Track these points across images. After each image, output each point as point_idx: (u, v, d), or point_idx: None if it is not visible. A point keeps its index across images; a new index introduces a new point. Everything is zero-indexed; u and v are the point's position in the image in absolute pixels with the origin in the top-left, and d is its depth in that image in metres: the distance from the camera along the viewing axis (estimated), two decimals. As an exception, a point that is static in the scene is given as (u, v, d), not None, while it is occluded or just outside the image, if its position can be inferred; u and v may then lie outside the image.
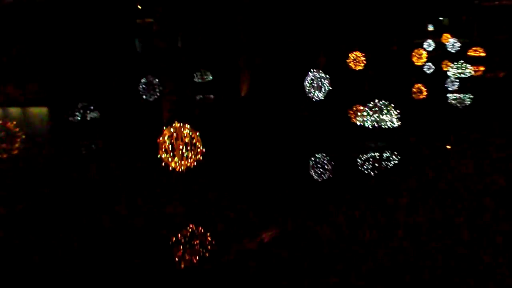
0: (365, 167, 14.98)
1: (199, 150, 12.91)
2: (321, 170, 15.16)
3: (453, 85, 31.17)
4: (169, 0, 17.58)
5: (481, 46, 46.71)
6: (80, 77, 27.20)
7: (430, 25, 65.49)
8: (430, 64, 42.40)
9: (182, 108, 17.88)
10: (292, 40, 28.96)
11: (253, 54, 23.10)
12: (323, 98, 20.75)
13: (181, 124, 12.58)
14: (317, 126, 19.05)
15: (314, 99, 20.60)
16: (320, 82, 19.82)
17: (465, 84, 30.53)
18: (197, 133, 12.85)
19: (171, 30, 17.90)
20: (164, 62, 18.10)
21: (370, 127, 17.22)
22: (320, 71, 20.04)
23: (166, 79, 18.39)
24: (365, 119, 17.16)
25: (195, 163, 13.03)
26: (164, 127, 12.80)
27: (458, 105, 27.79)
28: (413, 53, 34.27)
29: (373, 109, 17.23)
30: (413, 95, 31.72)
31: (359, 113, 17.33)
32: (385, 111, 17.14)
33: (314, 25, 30.19)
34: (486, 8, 58.04)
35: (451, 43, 43.47)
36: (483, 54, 41.94)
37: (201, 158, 13.08)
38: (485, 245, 9.48)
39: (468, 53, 42.70)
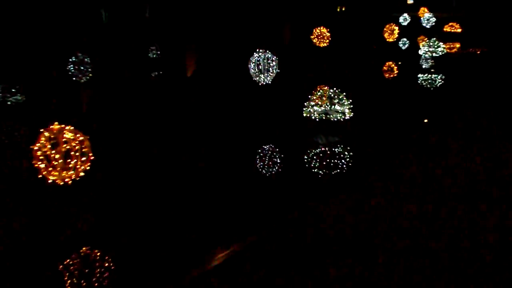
0: (314, 167, 12.30)
1: (86, 158, 9.98)
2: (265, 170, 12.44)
3: (427, 63, 28.46)
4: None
5: (459, 21, 44.05)
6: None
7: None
8: (405, 39, 39.64)
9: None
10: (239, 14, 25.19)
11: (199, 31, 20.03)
12: (270, 83, 17.88)
13: (62, 126, 9.60)
14: (261, 118, 16.15)
15: (260, 84, 17.72)
16: (267, 64, 16.73)
17: (438, 63, 27.83)
18: (85, 137, 9.88)
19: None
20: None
21: (317, 120, 14.46)
22: (267, 50, 16.94)
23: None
24: (312, 110, 14.36)
25: (81, 175, 10.07)
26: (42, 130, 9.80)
27: (429, 86, 25.20)
28: (385, 29, 31.27)
29: (321, 99, 14.42)
30: (384, 74, 29.09)
31: (305, 104, 14.51)
32: (336, 101, 14.36)
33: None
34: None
35: (426, 17, 40.42)
36: (459, 30, 39.13)
37: (89, 168, 10.14)
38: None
39: (444, 29, 39.88)
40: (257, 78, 16.99)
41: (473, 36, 40.41)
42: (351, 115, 14.52)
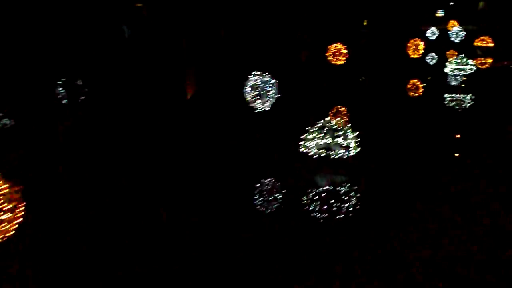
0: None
1: (16, 211, 8.01)
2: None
3: (456, 81, 25.71)
4: None
5: (490, 34, 40.90)
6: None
7: (440, 10, 58.96)
8: (433, 54, 36.83)
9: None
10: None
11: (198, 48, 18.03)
12: (269, 109, 15.63)
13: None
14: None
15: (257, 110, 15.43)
16: (265, 88, 14.49)
17: (468, 81, 25.05)
18: (12, 186, 7.92)
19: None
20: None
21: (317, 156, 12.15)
22: (266, 73, 14.67)
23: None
24: (311, 145, 12.06)
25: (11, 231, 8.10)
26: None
27: (457, 107, 22.51)
28: (409, 44, 28.69)
29: (322, 131, 12.12)
30: (408, 93, 26.49)
31: (303, 137, 12.24)
32: (339, 133, 12.03)
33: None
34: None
35: (455, 31, 37.44)
36: (491, 44, 36.04)
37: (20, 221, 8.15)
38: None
39: (475, 43, 36.86)
40: (254, 104, 14.83)
41: (506, 50, 37.31)
42: (357, 150, 12.17)
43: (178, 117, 17.03)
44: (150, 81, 19.43)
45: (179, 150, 14.30)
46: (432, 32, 40.91)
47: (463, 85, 24.65)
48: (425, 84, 27.17)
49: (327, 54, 24.86)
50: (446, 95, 23.77)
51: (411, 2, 48.31)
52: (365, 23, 42.70)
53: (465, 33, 37.59)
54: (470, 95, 23.61)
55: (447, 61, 27.59)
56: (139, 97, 18.89)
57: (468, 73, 23.99)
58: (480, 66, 34.97)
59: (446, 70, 24.46)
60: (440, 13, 58.01)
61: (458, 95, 23.83)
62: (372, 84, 25.98)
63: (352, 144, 12.19)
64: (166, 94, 18.65)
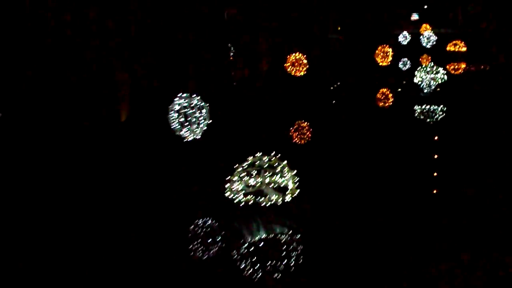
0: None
1: None
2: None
3: (426, 91, 23.35)
4: None
5: (464, 38, 38.94)
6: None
7: (414, 13, 56.84)
8: (405, 59, 34.66)
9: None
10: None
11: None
12: (199, 138, 12.81)
13: None
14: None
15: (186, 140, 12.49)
16: (194, 114, 11.72)
17: (440, 90, 22.70)
18: None
19: None
20: None
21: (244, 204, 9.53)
22: (195, 95, 11.90)
23: None
24: (237, 189, 9.46)
25: None
26: None
27: (428, 120, 20.19)
28: (377, 51, 26.27)
29: (251, 171, 9.51)
30: (378, 103, 24.13)
31: (229, 179, 9.61)
32: (272, 173, 9.43)
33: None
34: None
35: (426, 36, 35.19)
36: (464, 49, 33.95)
37: None
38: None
39: (448, 48, 34.77)
40: (181, 133, 12.02)
41: (480, 54, 35.33)
42: (296, 192, 9.55)
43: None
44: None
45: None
46: (404, 37, 38.74)
47: (434, 95, 22.33)
48: (399, 90, 24.89)
49: (285, 64, 22.31)
50: (416, 107, 21.39)
51: (383, 6, 46.27)
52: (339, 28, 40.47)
53: (436, 37, 35.42)
54: (442, 106, 21.27)
55: (417, 70, 25.38)
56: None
57: (439, 82, 21.61)
58: (453, 72, 32.93)
59: (415, 80, 22.05)
60: (415, 17, 55.96)
61: (428, 106, 21.46)
62: (336, 96, 23.50)
63: (290, 186, 9.58)
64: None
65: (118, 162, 12.79)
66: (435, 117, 20.35)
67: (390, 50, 26.17)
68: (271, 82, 22.56)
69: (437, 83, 21.53)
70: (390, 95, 25.16)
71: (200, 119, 11.82)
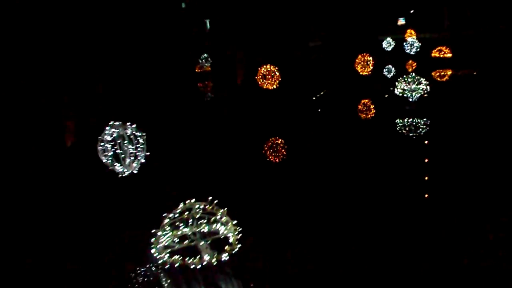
0: None
1: None
2: None
3: (408, 102, 21.60)
4: None
5: (450, 43, 37.38)
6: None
7: (401, 18, 55.15)
8: (390, 66, 32.96)
9: None
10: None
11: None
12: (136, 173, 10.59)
13: None
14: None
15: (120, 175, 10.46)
16: (128, 146, 9.83)
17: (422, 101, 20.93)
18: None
19: None
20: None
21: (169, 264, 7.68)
22: (129, 125, 9.93)
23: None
24: (165, 246, 7.58)
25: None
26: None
27: (410, 134, 18.46)
28: (357, 60, 24.48)
29: (180, 222, 7.66)
30: (360, 115, 22.40)
31: (157, 234, 7.72)
32: (211, 221, 7.59)
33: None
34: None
35: (409, 42, 33.46)
36: (450, 55, 32.31)
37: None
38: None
39: (432, 54, 33.12)
40: (114, 168, 10.12)
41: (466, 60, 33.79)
42: (237, 247, 7.70)
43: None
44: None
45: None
46: (387, 43, 37.05)
47: (418, 106, 20.61)
48: (387, 96, 23.13)
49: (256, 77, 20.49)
50: (398, 120, 19.67)
51: (368, 11, 44.63)
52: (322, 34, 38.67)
53: (419, 44, 33.73)
54: (425, 119, 19.56)
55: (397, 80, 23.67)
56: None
57: (421, 94, 19.84)
58: (438, 79, 31.27)
59: (396, 91, 20.27)
60: (401, 21, 54.30)
61: (411, 120, 19.73)
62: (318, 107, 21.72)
63: (231, 237, 7.74)
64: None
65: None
66: (419, 131, 18.61)
67: (371, 58, 24.43)
68: (243, 97, 20.78)
69: (419, 94, 19.76)
70: (373, 106, 23.46)
71: (136, 150, 9.93)
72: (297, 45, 26.18)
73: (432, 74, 32.43)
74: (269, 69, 19.84)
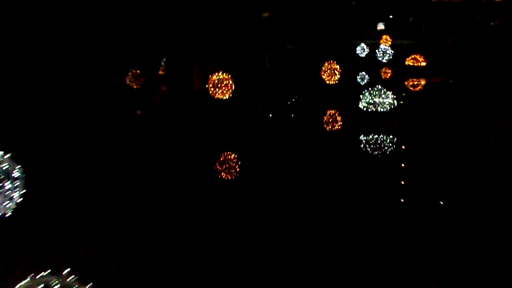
0: None
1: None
2: None
3: (373, 116, 19.66)
4: None
5: (427, 50, 35.69)
6: None
7: (380, 23, 53.28)
8: (363, 73, 31.08)
9: None
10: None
11: None
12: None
13: None
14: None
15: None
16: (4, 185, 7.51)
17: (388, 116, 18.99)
18: None
19: None
20: None
21: None
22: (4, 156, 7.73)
23: None
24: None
25: None
26: None
27: (376, 152, 16.63)
28: (324, 68, 22.47)
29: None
30: (326, 126, 20.43)
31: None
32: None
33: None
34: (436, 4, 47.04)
35: (382, 49, 31.51)
36: (424, 64, 30.52)
37: None
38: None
39: (406, 63, 31.30)
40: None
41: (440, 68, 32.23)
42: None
43: None
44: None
45: None
46: (362, 49, 35.07)
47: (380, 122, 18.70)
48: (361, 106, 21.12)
49: (207, 86, 18.30)
50: (362, 137, 17.71)
51: (344, 15, 42.91)
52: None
53: (392, 51, 31.84)
54: (391, 136, 17.66)
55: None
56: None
57: (387, 109, 17.85)
58: (412, 89, 29.47)
59: (360, 105, 18.26)
60: (381, 26, 52.44)
61: (376, 136, 17.81)
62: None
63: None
64: None
65: None
66: (384, 149, 16.68)
67: (338, 67, 22.43)
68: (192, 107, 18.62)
69: (384, 110, 17.78)
70: (339, 117, 21.44)
71: (11, 189, 7.67)
72: (253, 51, 24.02)
73: (406, 83, 30.61)
74: (220, 77, 17.63)
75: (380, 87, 17.70)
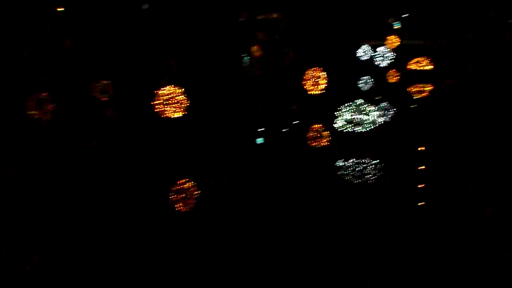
0: None
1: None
2: None
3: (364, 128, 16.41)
4: None
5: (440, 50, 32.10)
6: None
7: (396, 22, 49.23)
8: (367, 77, 27.78)
9: None
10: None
11: None
12: None
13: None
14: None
15: None
16: None
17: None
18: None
19: None
20: None
21: None
22: None
23: None
24: None
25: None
26: None
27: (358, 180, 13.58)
28: (306, 77, 19.11)
29: None
30: (311, 142, 17.44)
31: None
32: None
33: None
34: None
35: (381, 52, 27.80)
36: (430, 67, 26.89)
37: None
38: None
39: (408, 67, 27.72)
40: None
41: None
42: None
43: None
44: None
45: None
46: (364, 51, 31.43)
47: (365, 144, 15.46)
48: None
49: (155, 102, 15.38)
50: (339, 162, 14.57)
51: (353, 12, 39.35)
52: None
53: (394, 54, 28.14)
54: (376, 162, 14.51)
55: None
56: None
57: (366, 129, 14.46)
58: (417, 95, 25.89)
59: (336, 125, 14.93)
60: (397, 26, 48.39)
61: (356, 160, 14.62)
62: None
63: None
64: None
65: None
66: (365, 177, 13.50)
67: (323, 74, 19.05)
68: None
69: (363, 130, 14.40)
70: (326, 133, 18.18)
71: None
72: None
73: (408, 89, 27.11)
74: (169, 91, 14.68)
75: (361, 101, 14.33)
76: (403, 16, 47.65)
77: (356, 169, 13.74)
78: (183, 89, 14.65)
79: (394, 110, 20.74)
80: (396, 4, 45.90)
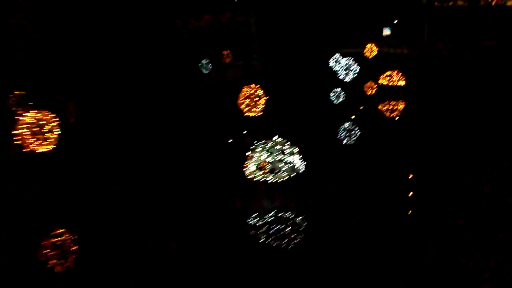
0: None
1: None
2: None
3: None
4: None
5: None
6: None
7: (387, 28, 45.37)
8: (338, 90, 24.22)
9: None
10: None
11: None
12: None
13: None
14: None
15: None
16: None
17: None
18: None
19: None
20: None
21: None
22: None
23: None
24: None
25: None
26: None
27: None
28: (241, 94, 15.06)
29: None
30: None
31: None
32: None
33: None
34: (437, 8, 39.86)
35: (343, 64, 23.58)
36: (402, 83, 23.12)
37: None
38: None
39: (379, 81, 23.97)
40: None
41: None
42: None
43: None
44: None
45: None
46: (335, 60, 27.54)
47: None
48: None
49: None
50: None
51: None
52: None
53: (358, 68, 24.26)
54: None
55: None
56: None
57: (285, 175, 10.65)
58: (388, 114, 22.17)
59: (247, 171, 11.13)
60: (386, 32, 44.52)
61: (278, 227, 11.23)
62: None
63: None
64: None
65: None
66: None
67: (261, 92, 15.23)
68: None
69: (283, 177, 10.60)
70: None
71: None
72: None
73: (379, 107, 23.51)
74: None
75: (279, 138, 10.58)
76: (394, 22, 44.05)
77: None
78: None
79: (357, 131, 17.21)
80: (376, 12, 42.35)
